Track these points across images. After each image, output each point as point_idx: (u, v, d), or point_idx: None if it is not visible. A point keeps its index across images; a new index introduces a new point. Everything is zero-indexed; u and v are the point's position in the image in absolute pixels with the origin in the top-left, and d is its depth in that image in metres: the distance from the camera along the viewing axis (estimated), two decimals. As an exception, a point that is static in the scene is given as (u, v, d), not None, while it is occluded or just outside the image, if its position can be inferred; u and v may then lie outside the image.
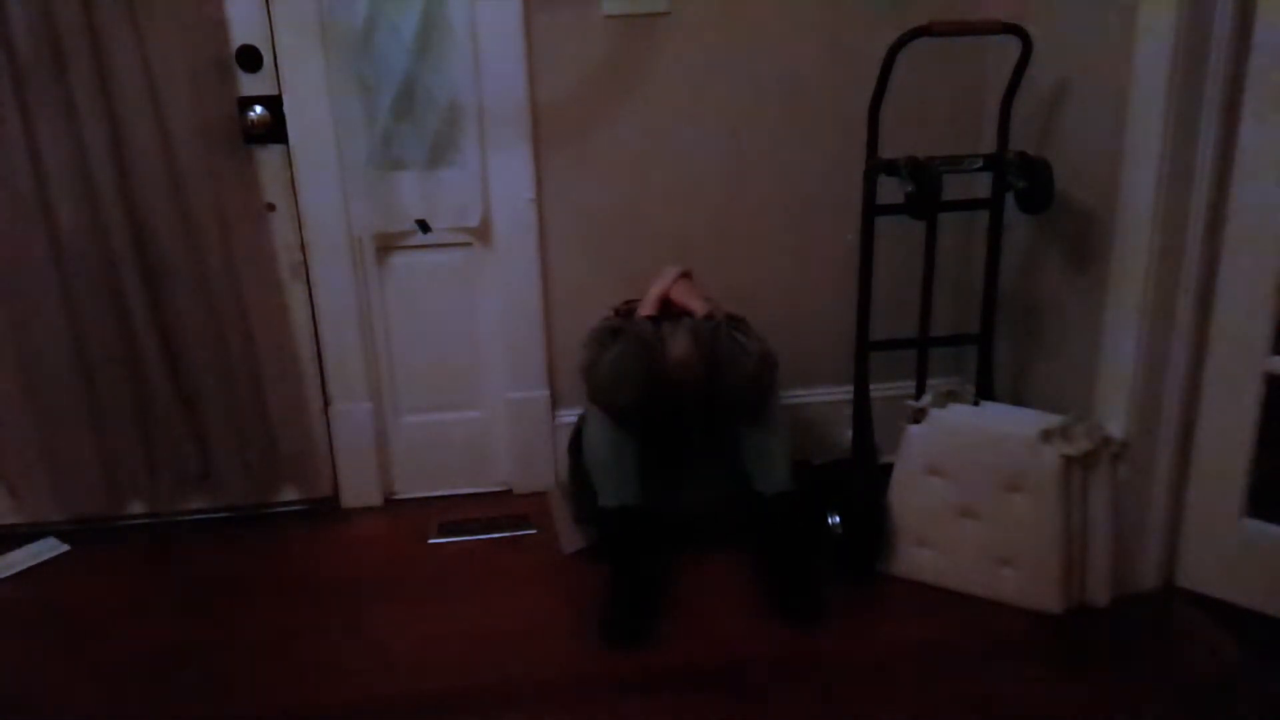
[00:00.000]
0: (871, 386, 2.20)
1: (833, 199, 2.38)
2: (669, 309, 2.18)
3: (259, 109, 2.21)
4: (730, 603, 2.04)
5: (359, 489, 2.53)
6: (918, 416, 2.07)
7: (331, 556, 2.32)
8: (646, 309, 2.15)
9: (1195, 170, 1.84)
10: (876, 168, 2.04)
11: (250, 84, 2.22)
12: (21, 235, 2.15)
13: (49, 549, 2.37)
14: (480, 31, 2.22)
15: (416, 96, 2.23)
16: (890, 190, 2.02)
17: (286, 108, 2.22)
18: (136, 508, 2.46)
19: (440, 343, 2.47)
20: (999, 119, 2.11)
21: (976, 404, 2.14)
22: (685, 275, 2.23)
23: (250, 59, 2.19)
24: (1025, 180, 2.04)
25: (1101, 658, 1.86)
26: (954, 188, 2.07)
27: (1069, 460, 1.91)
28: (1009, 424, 2.00)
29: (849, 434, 2.25)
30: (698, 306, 2.14)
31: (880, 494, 2.12)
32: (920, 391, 2.19)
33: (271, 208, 2.30)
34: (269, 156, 2.27)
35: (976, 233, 2.37)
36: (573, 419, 2.40)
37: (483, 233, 2.39)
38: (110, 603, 2.16)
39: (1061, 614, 1.96)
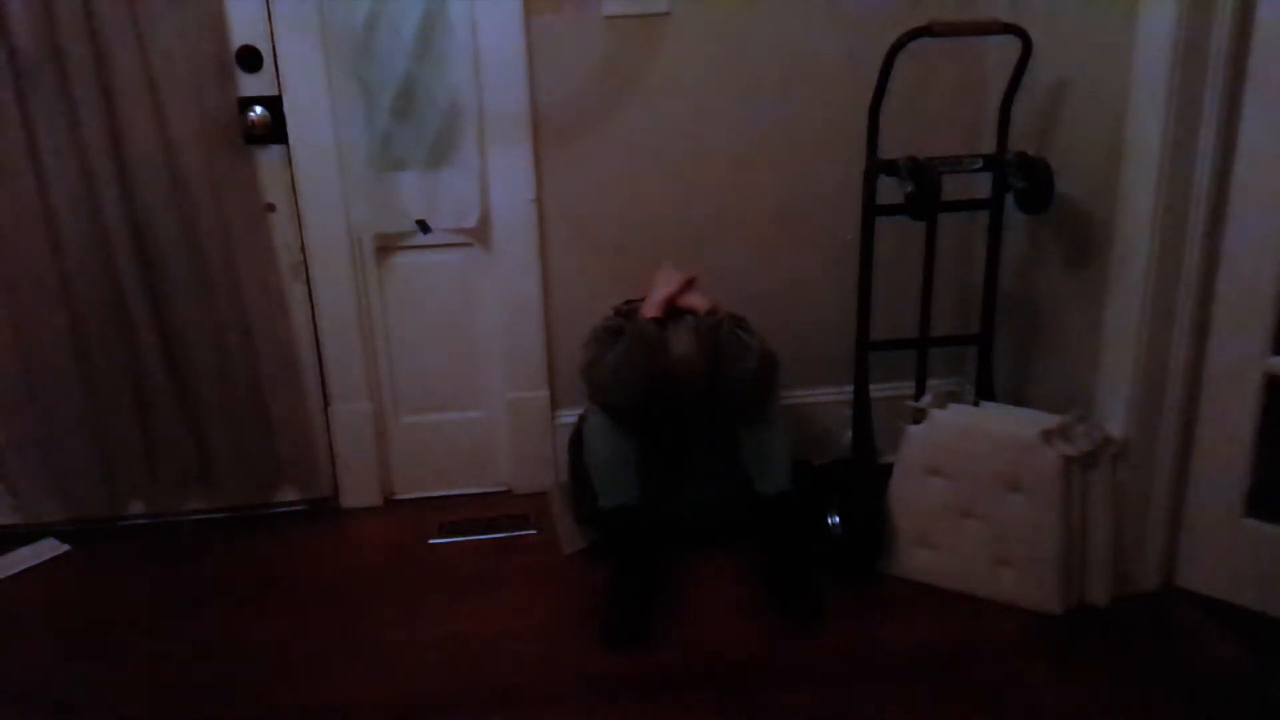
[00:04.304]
0: (871, 386, 2.20)
1: (832, 199, 2.38)
2: (672, 309, 2.17)
3: (259, 109, 2.21)
4: (730, 603, 2.05)
5: (359, 489, 2.52)
6: (918, 416, 2.07)
7: (331, 557, 2.32)
8: (651, 311, 2.15)
9: (1195, 170, 1.84)
10: (876, 168, 2.04)
11: (250, 84, 2.21)
12: (22, 235, 2.15)
13: (49, 549, 2.36)
14: (480, 32, 2.22)
15: (416, 97, 2.23)
16: (890, 190, 2.02)
17: (286, 108, 2.22)
18: (136, 508, 2.46)
19: (440, 343, 2.47)
20: (999, 119, 2.11)
21: (976, 404, 2.14)
22: (690, 282, 2.22)
23: (250, 59, 2.19)
24: (1025, 180, 2.04)
25: (1101, 658, 1.86)
26: (954, 188, 2.07)
27: (1069, 460, 1.91)
28: (1009, 424, 2.00)
29: (849, 434, 2.25)
30: (700, 305, 2.14)
31: (880, 494, 2.12)
32: (920, 391, 2.19)
33: (271, 208, 2.30)
34: (269, 157, 2.27)
35: (976, 233, 2.37)
36: (573, 419, 2.40)
37: (483, 233, 2.39)
38: (110, 603, 2.16)
39: (1061, 614, 1.96)
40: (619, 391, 2.06)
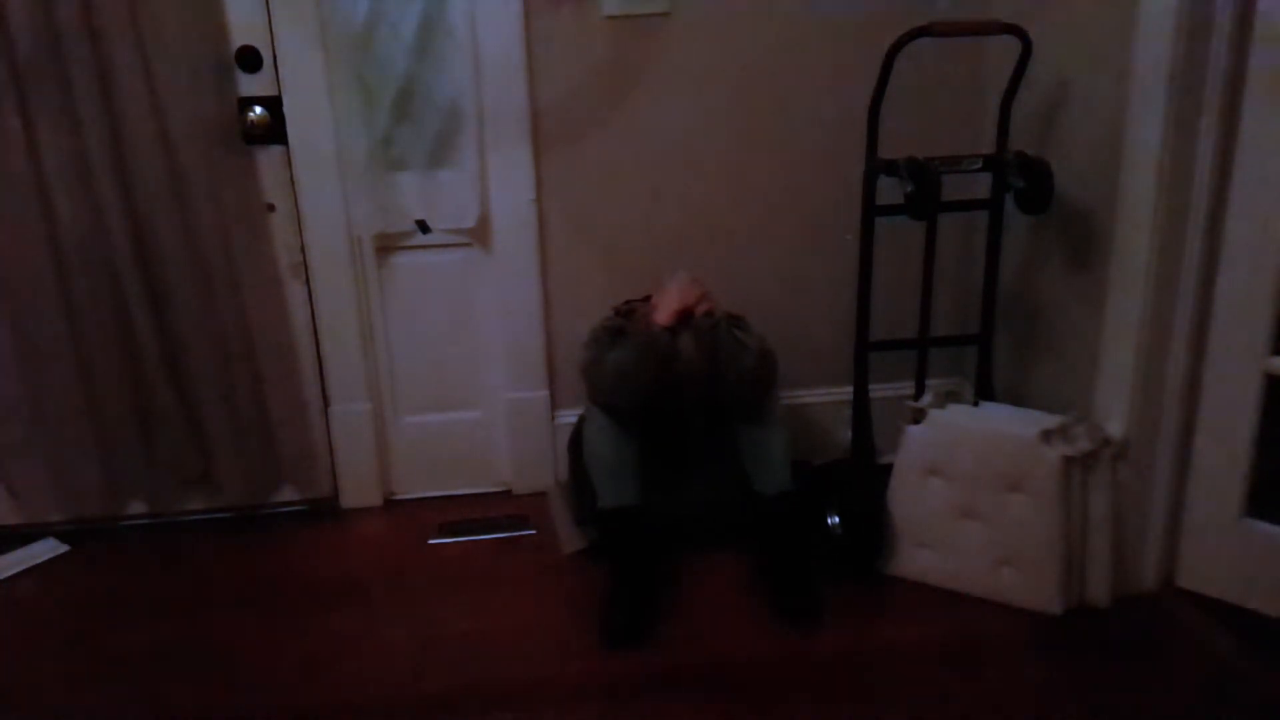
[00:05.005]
0: (871, 386, 2.20)
1: (832, 199, 2.38)
2: (684, 320, 2.14)
3: (259, 109, 2.21)
4: (730, 603, 2.04)
5: (359, 489, 2.52)
6: (917, 417, 2.07)
7: (331, 557, 2.32)
8: (665, 319, 2.10)
9: (1195, 170, 1.84)
10: (876, 168, 2.04)
11: (250, 84, 2.21)
12: (21, 236, 2.15)
13: (49, 549, 2.36)
14: (480, 32, 2.22)
15: (416, 97, 2.23)
16: (890, 190, 2.02)
17: (286, 108, 2.22)
18: (136, 508, 2.45)
19: (440, 343, 2.47)
20: (999, 119, 2.11)
21: (976, 404, 2.14)
22: (705, 294, 2.17)
23: (250, 59, 2.19)
24: (1025, 180, 2.04)
25: (1101, 658, 1.86)
26: (954, 188, 2.07)
27: (1069, 460, 1.91)
28: (1009, 424, 2.00)
29: (849, 434, 2.25)
30: (701, 309, 2.14)
31: (880, 494, 2.12)
32: (920, 392, 2.18)
33: (271, 208, 2.30)
34: (269, 157, 2.27)
35: (976, 233, 2.36)
36: (573, 419, 2.40)
37: (483, 233, 2.39)
38: (110, 603, 2.16)
39: (1061, 614, 1.96)
40: (623, 394, 2.06)
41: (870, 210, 2.08)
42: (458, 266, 2.42)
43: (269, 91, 2.22)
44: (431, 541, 2.35)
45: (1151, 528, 2.03)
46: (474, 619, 2.03)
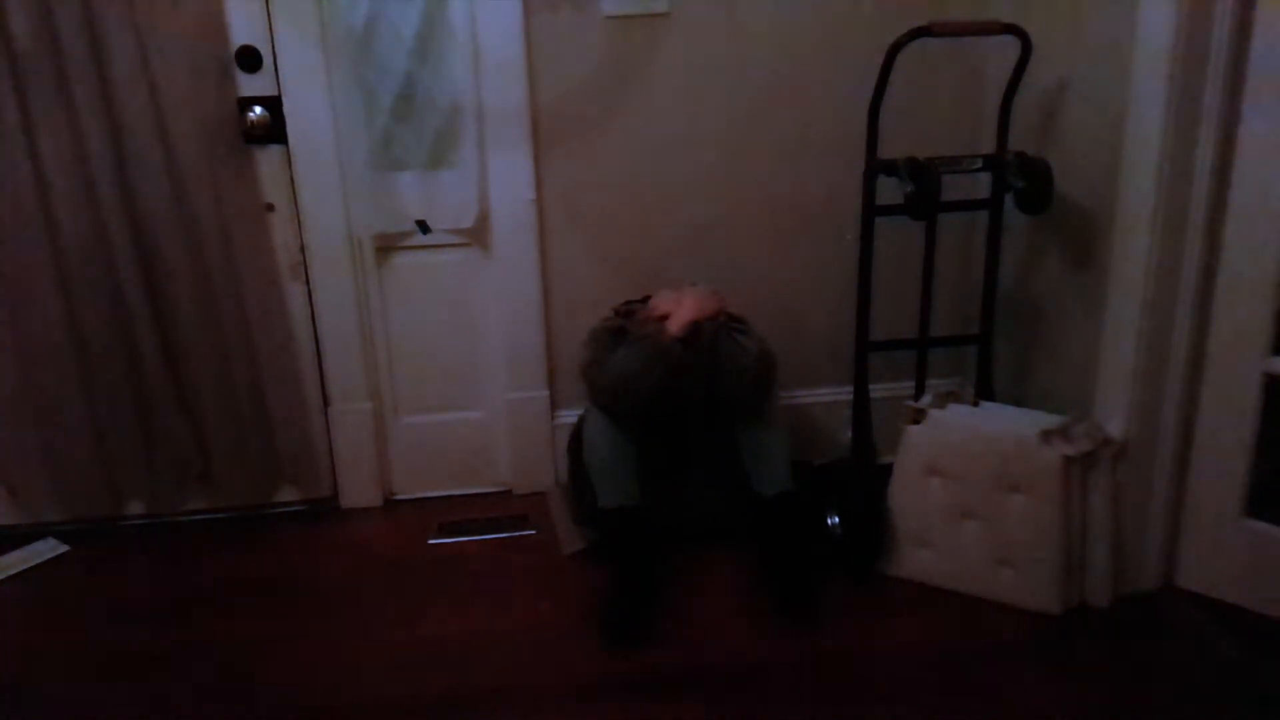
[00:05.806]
0: (871, 387, 2.20)
1: (832, 199, 2.38)
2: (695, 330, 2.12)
3: (259, 109, 2.21)
4: (729, 603, 2.04)
5: (359, 489, 2.53)
6: (917, 417, 2.07)
7: (331, 557, 2.32)
8: (677, 329, 2.06)
9: (1195, 170, 1.84)
10: (876, 168, 2.04)
11: (250, 84, 2.21)
12: (21, 236, 2.15)
13: (49, 549, 2.37)
14: (480, 32, 2.22)
15: (416, 97, 2.23)
16: (890, 191, 2.02)
17: (286, 108, 2.22)
18: (136, 508, 2.46)
19: (440, 343, 2.47)
20: (999, 119, 2.11)
21: (976, 404, 2.14)
22: (722, 308, 2.15)
23: (250, 59, 2.19)
24: (1025, 180, 2.04)
25: (1101, 658, 1.86)
26: (953, 188, 2.07)
27: (1069, 460, 1.91)
28: (1009, 424, 2.00)
29: (849, 434, 2.25)
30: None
31: (880, 494, 2.12)
32: (920, 392, 2.19)
33: (271, 208, 2.30)
34: (269, 157, 2.27)
35: (976, 233, 2.37)
36: (573, 419, 2.41)
37: (483, 233, 2.39)
38: (109, 603, 2.16)
39: (1061, 614, 1.96)
40: (626, 398, 2.06)
41: (870, 210, 2.08)
42: (458, 267, 2.42)
43: (269, 91, 2.22)
44: (431, 541, 2.35)
45: (1151, 528, 2.03)
46: (474, 619, 2.03)
